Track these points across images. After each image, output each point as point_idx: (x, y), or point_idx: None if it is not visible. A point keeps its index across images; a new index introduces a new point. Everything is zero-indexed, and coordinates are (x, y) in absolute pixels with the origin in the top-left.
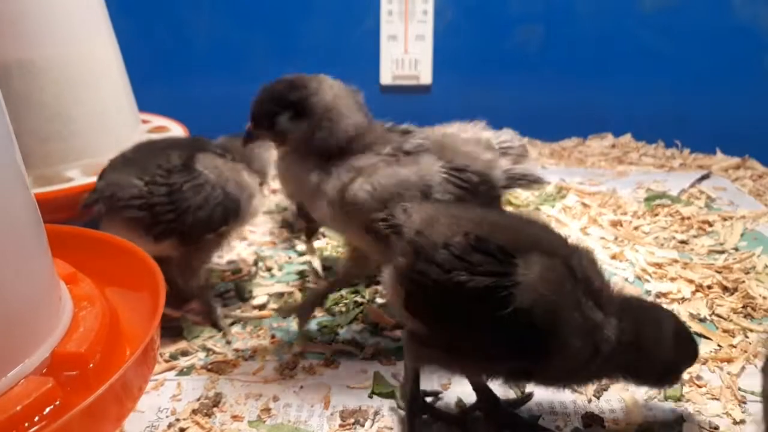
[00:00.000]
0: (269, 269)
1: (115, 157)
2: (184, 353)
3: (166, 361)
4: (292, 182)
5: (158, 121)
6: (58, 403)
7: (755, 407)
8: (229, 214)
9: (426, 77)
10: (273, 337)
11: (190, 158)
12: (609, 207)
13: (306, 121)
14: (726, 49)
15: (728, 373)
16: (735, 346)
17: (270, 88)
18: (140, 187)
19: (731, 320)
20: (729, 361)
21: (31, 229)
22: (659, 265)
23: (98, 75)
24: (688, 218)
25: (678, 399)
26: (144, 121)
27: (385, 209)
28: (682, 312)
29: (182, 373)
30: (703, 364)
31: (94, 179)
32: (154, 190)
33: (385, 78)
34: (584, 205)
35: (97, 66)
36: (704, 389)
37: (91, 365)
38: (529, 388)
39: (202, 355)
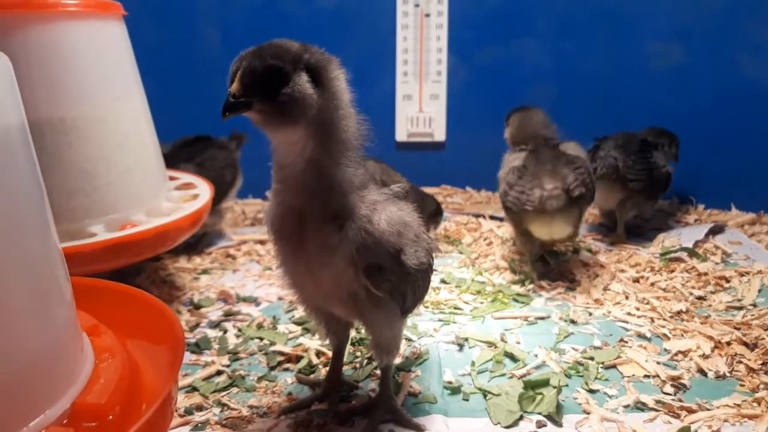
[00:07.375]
0: None
1: None
2: (199, 408)
3: (181, 416)
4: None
5: (186, 177)
6: None
7: None
8: None
9: (440, 134)
10: (290, 394)
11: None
12: (626, 263)
13: (327, 96)
14: (737, 106)
15: (752, 430)
16: (757, 402)
17: (273, 44)
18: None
19: (752, 376)
20: (752, 417)
21: (57, 281)
22: (678, 322)
23: (126, 133)
24: (705, 274)
25: None
26: (171, 178)
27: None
28: (703, 368)
29: (197, 428)
30: (725, 420)
31: (117, 234)
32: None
33: (401, 135)
34: (600, 264)
35: (126, 125)
36: None
37: (111, 417)
38: None
39: (216, 410)
